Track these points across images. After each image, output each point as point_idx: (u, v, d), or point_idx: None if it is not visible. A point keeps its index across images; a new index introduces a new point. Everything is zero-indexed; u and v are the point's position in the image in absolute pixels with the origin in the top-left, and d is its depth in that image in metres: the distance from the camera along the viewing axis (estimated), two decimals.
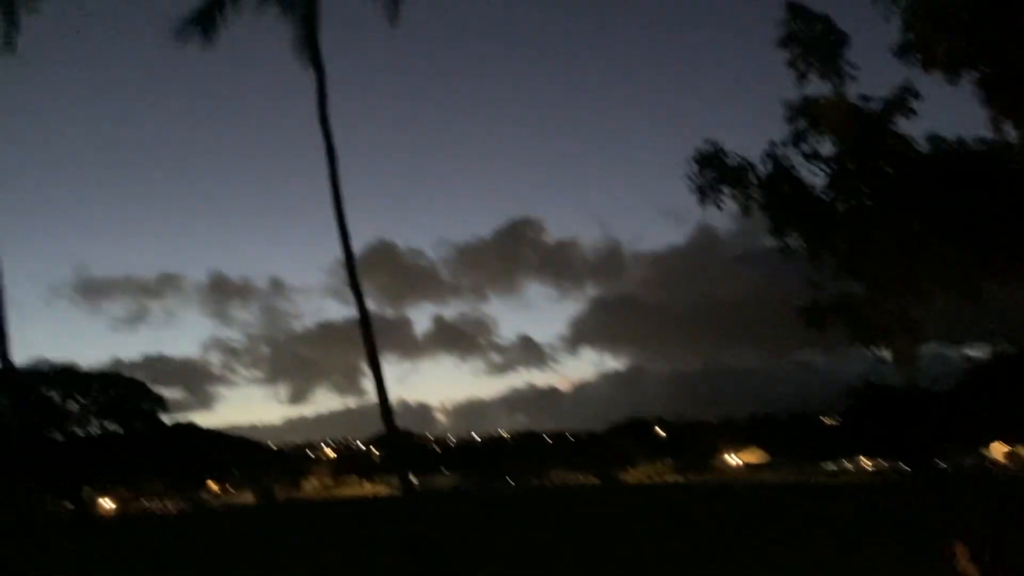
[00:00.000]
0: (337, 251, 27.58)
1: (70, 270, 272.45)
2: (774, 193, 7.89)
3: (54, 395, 72.82)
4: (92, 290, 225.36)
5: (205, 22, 23.37)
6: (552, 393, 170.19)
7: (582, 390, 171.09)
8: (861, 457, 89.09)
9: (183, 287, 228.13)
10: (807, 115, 7.96)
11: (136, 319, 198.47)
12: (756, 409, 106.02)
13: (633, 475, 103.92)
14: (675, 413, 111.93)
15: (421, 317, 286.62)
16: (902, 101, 7.67)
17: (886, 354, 8.04)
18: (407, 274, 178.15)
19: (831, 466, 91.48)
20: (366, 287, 24.04)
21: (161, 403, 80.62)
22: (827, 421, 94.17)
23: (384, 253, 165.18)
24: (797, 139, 7.95)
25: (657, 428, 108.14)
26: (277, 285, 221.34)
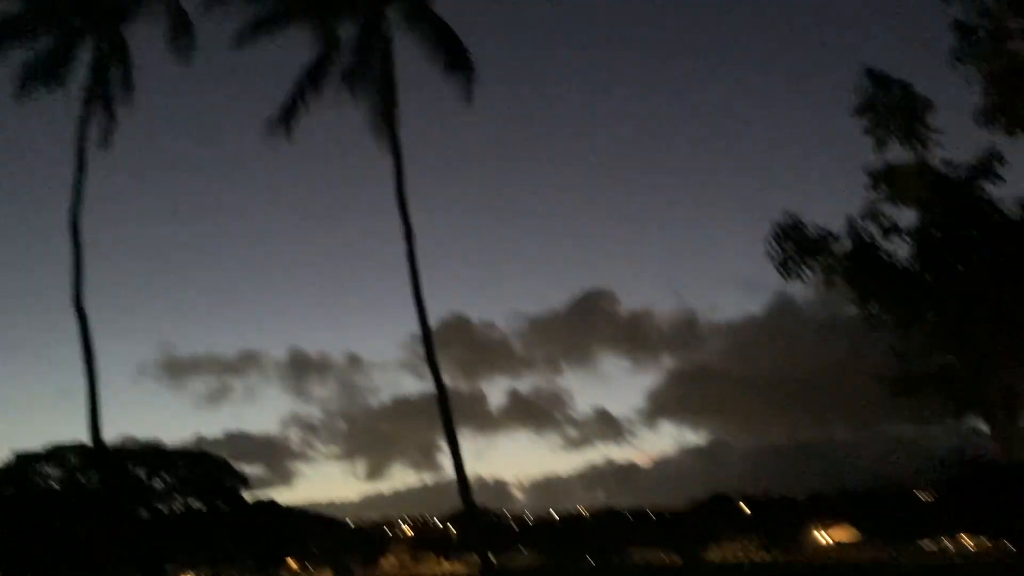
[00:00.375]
0: (411, 325, 27.92)
1: (156, 349, 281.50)
2: (857, 264, 7.67)
3: (141, 473, 74.48)
4: (177, 368, 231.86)
5: (289, 117, 24.39)
6: (631, 468, 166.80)
7: (662, 465, 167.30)
8: (962, 535, 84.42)
9: (263, 364, 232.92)
10: (889, 183, 7.77)
11: (218, 396, 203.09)
12: (845, 483, 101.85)
13: (717, 553, 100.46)
14: (760, 488, 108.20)
15: (495, 391, 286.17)
16: (987, 166, 7.43)
17: (983, 426, 7.65)
18: (481, 347, 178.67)
19: (930, 544, 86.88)
20: (440, 361, 24.20)
21: (242, 480, 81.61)
22: (922, 496, 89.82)
23: (457, 326, 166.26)
24: (879, 208, 7.76)
25: (741, 504, 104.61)
26: (354, 360, 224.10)
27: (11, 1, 26.36)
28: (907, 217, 7.92)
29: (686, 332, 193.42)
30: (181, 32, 26.39)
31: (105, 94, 26.65)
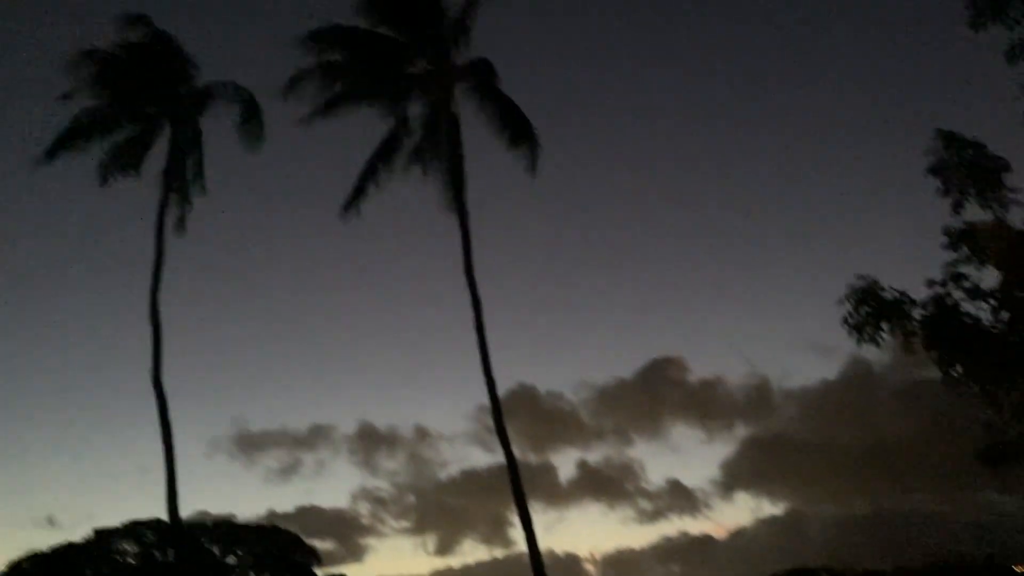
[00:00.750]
0: (479, 397, 28.04)
1: (229, 424, 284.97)
2: (938, 327, 7.44)
3: (215, 549, 74.89)
4: (249, 443, 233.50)
5: (359, 194, 25.10)
6: (706, 541, 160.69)
7: (739, 537, 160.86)
8: None
9: (333, 438, 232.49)
10: (968, 243, 7.57)
11: (290, 470, 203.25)
12: (934, 556, 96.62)
13: None
14: (843, 561, 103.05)
15: (565, 462, 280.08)
16: None
17: None
18: (549, 418, 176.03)
19: None
20: (509, 432, 24.02)
21: (314, 556, 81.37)
22: (1020, 570, 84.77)
23: (524, 397, 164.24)
24: (959, 269, 7.55)
25: None
26: (422, 433, 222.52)
27: (95, 94, 27.63)
28: (989, 278, 7.66)
29: (759, 399, 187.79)
30: (251, 118, 27.47)
31: (181, 180, 27.67)
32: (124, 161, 27.41)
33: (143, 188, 27.73)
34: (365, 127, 25.82)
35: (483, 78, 24.94)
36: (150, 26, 28.11)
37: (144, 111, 27.96)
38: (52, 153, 26.58)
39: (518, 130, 24.65)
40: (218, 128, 28.23)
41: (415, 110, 25.66)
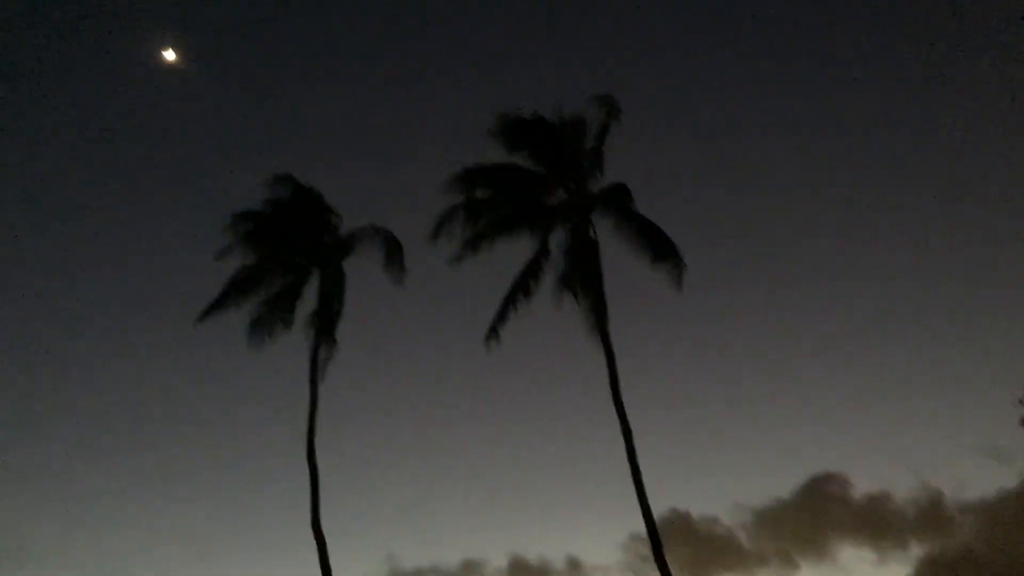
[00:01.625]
0: (631, 525, 27.00)
1: (383, 563, 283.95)
2: None
3: None
4: None
5: (501, 323, 25.27)
6: None
7: None
8: None
9: (485, 573, 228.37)
10: None
11: None
12: None
13: None
14: None
15: None
16: None
17: None
18: (705, 545, 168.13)
19: None
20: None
21: None
22: None
23: (677, 523, 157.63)
24: None
25: None
26: (574, 564, 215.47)
27: (246, 253, 29.00)
28: None
29: (933, 514, 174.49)
30: (393, 256, 28.22)
31: (329, 325, 28.35)
32: (276, 316, 28.21)
33: (293, 334, 28.51)
34: (504, 257, 26.24)
35: (620, 202, 25.18)
36: (295, 183, 29.74)
37: (293, 263, 29.12)
38: (208, 313, 27.63)
39: (660, 249, 24.57)
40: (362, 268, 29.13)
41: (554, 237, 26.02)
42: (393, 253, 28.16)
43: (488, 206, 25.90)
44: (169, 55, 40.72)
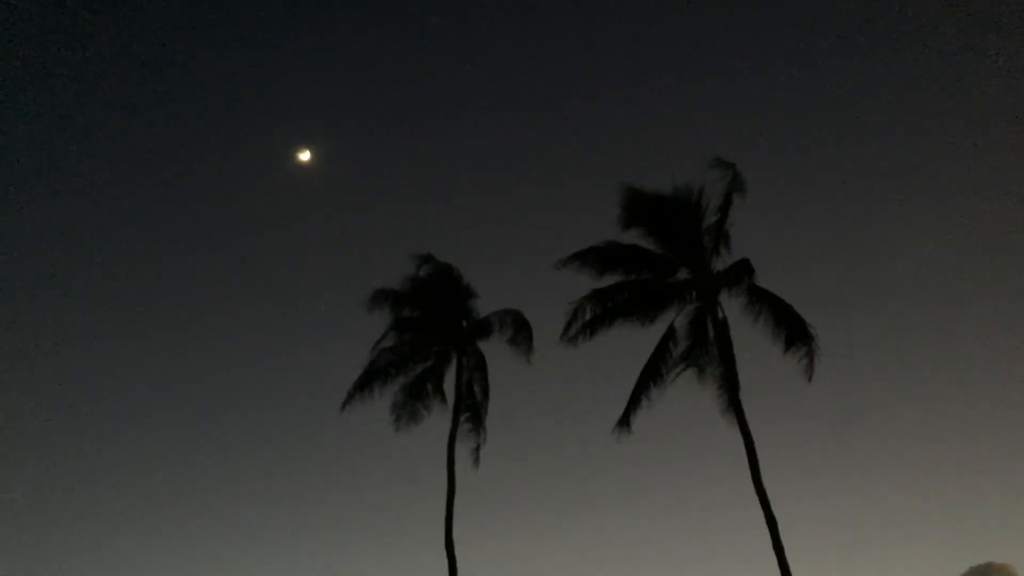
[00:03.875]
0: None
1: None
2: None
3: None
4: None
5: (633, 411, 24.82)
6: None
7: None
8: None
9: None
10: None
11: None
12: None
13: None
14: None
15: None
16: None
17: None
18: None
19: None
20: None
21: None
22: None
23: None
24: None
25: None
26: None
27: (392, 337, 29.84)
28: None
29: None
30: (524, 340, 28.40)
31: (477, 412, 28.88)
32: (418, 400, 28.75)
33: (431, 418, 29.05)
34: (626, 339, 25.77)
35: (746, 279, 24.18)
36: (435, 262, 30.55)
37: (433, 348, 29.67)
38: (350, 399, 28.27)
39: (791, 329, 23.42)
40: (493, 349, 29.43)
41: (681, 319, 25.30)
42: (524, 338, 28.33)
43: (615, 291, 25.46)
44: (304, 155, 43.52)
